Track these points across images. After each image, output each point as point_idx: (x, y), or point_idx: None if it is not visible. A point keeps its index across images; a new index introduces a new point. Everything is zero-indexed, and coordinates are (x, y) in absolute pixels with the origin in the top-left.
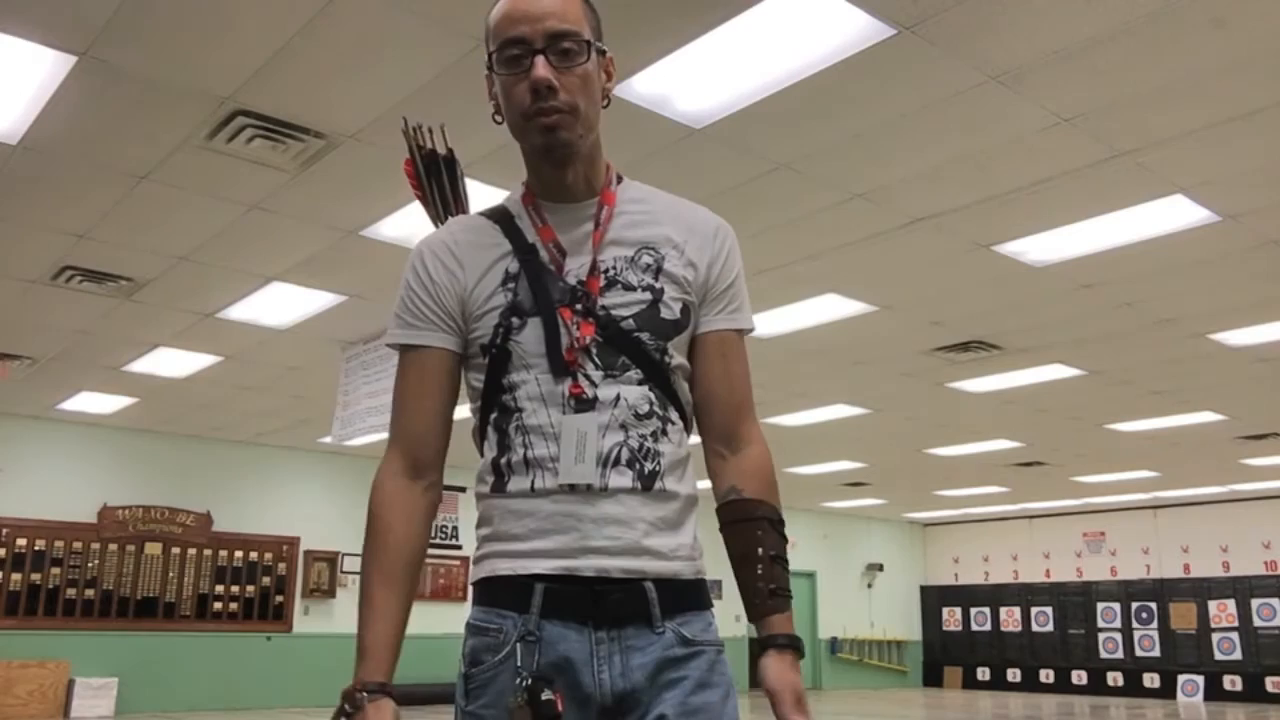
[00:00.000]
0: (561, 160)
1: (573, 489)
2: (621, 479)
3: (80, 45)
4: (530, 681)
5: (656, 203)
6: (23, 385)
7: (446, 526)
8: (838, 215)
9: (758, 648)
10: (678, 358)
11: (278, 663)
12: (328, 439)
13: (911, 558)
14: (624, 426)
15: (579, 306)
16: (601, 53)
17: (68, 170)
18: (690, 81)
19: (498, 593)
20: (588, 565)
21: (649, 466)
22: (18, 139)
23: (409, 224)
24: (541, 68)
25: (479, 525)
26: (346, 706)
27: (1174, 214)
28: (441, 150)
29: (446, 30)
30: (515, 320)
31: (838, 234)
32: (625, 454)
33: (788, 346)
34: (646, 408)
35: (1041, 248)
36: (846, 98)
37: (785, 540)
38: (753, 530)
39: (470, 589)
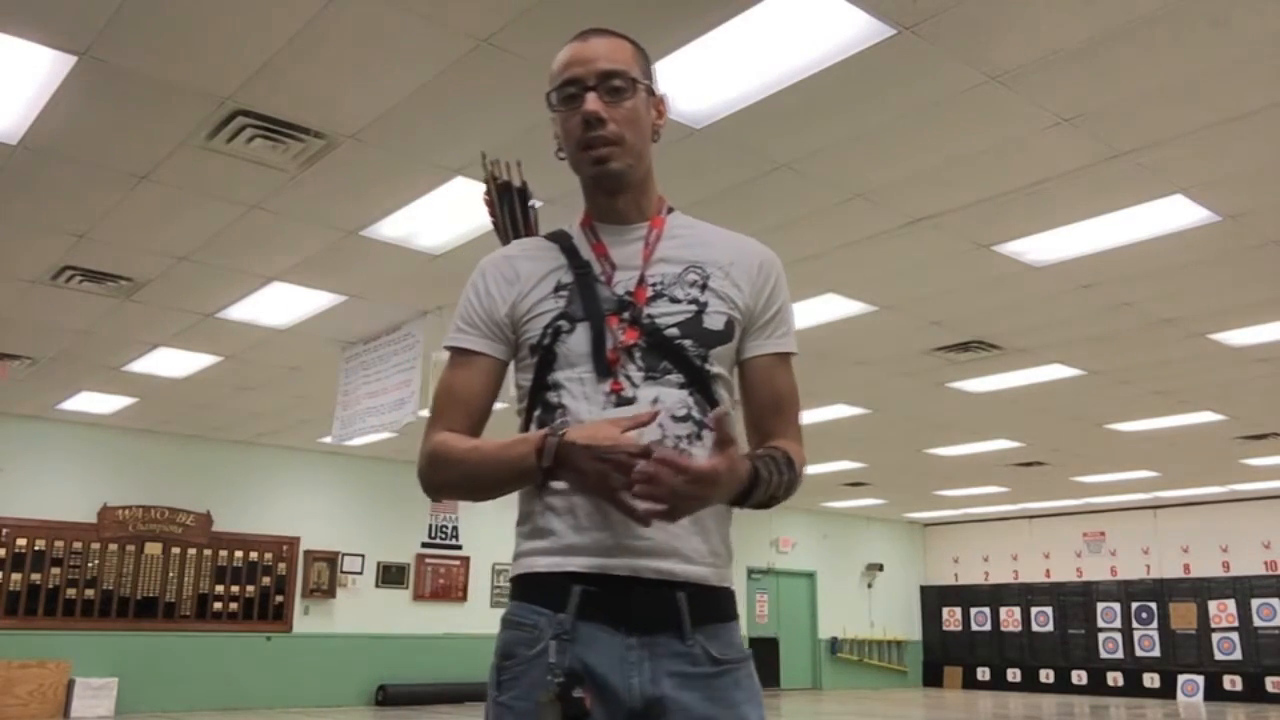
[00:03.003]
0: (612, 189)
1: None
2: None
3: (80, 45)
4: (562, 679)
5: (705, 231)
6: (23, 385)
7: (446, 527)
8: (838, 215)
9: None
10: (719, 368)
11: (278, 663)
12: (328, 439)
13: (911, 558)
14: (660, 426)
15: (625, 315)
16: (651, 92)
17: (68, 170)
18: (690, 81)
19: (535, 590)
20: (621, 565)
21: None
22: (18, 139)
23: (409, 224)
24: (591, 101)
25: (519, 522)
26: (549, 440)
27: (1174, 214)
28: (516, 183)
29: (446, 30)
30: (565, 325)
31: (838, 234)
32: None
33: None
34: (684, 411)
35: (1041, 248)
36: (846, 98)
37: (792, 480)
38: (770, 449)
39: (509, 584)
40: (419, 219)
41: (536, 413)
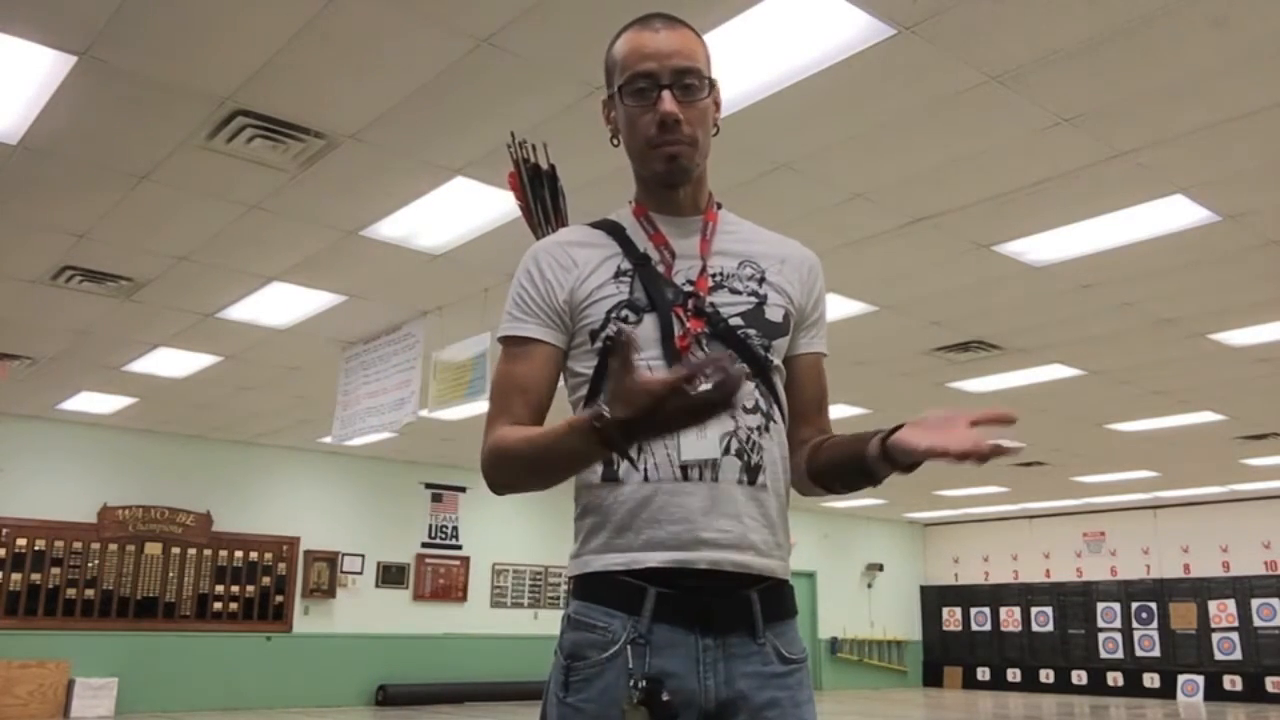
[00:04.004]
0: (678, 184)
1: (685, 476)
2: (730, 470)
3: (80, 45)
4: (646, 683)
5: (753, 229)
6: (23, 385)
7: (446, 527)
8: (838, 215)
9: (877, 450)
10: (778, 359)
11: (278, 663)
12: (328, 439)
13: (911, 558)
14: (733, 418)
15: (690, 304)
16: (714, 86)
17: (68, 170)
18: None
19: (607, 590)
20: (701, 558)
21: (754, 459)
22: (18, 139)
23: (409, 224)
24: (669, 102)
25: (582, 516)
26: (599, 419)
27: (1174, 214)
28: (544, 165)
29: (446, 30)
30: (631, 314)
31: (838, 234)
32: (734, 444)
33: None
34: (753, 402)
35: (1041, 248)
36: (846, 98)
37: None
38: (851, 438)
39: (570, 582)
40: (419, 219)
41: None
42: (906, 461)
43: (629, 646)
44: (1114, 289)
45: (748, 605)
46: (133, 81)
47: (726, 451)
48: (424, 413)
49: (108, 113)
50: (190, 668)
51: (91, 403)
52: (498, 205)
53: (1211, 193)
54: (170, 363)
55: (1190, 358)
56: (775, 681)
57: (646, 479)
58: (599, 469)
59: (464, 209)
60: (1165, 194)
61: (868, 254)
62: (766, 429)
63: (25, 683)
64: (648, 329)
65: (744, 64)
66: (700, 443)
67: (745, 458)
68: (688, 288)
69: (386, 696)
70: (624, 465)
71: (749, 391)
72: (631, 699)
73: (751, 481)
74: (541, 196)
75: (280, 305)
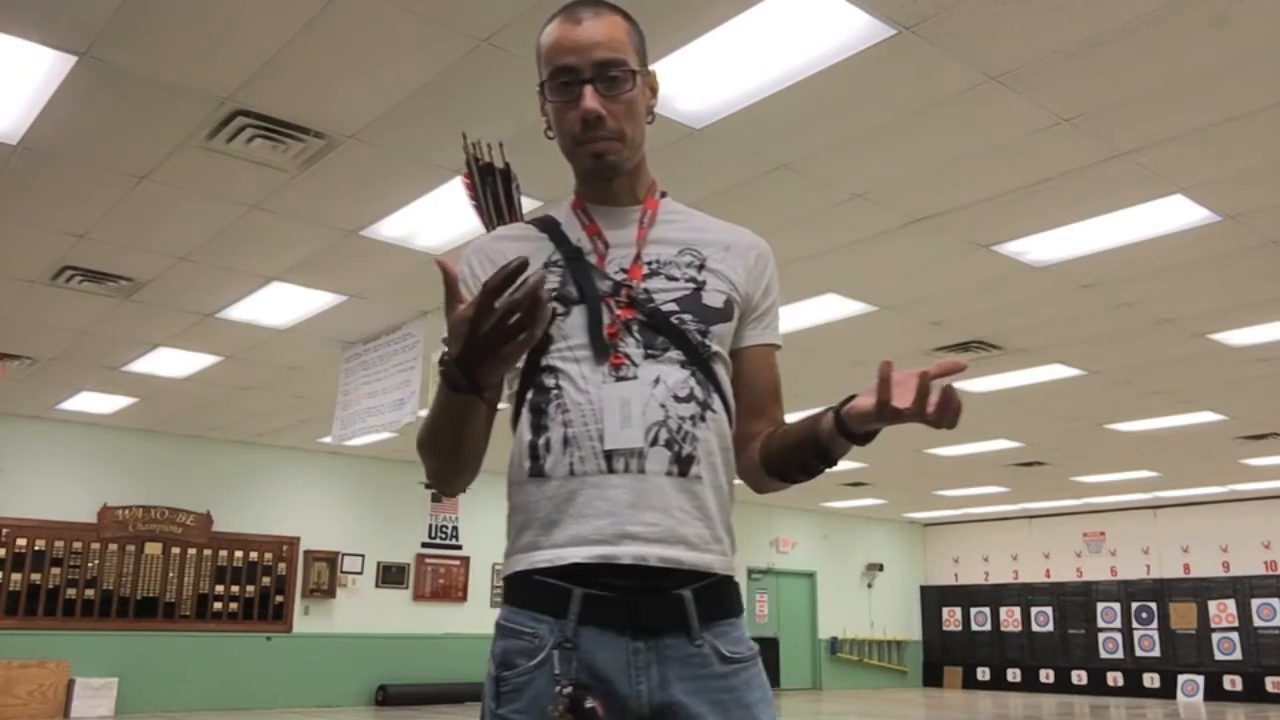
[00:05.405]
0: (609, 177)
1: (611, 469)
2: (658, 461)
3: (80, 45)
4: (572, 690)
5: (699, 217)
6: (23, 385)
7: (446, 527)
8: (838, 215)
9: (831, 424)
10: (719, 347)
11: (278, 663)
12: (328, 439)
13: (911, 558)
14: (662, 407)
15: (622, 295)
16: (645, 74)
17: (68, 170)
18: (690, 81)
19: (532, 595)
20: (626, 552)
21: (686, 450)
22: (18, 139)
23: (409, 224)
24: (590, 98)
25: (512, 514)
26: (442, 361)
27: (1174, 214)
28: (499, 164)
29: (446, 30)
30: (559, 307)
31: (838, 234)
32: (664, 434)
33: (787, 346)
34: (686, 391)
35: (1041, 248)
36: (846, 98)
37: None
38: (803, 420)
39: (502, 585)
40: (419, 219)
41: (530, 395)
42: (861, 429)
43: (555, 652)
44: (1114, 289)
45: (681, 604)
46: (133, 81)
47: (655, 442)
48: (424, 413)
49: (108, 113)
50: (190, 668)
51: (91, 403)
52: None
53: (1211, 193)
54: (170, 363)
55: (1190, 358)
56: (716, 684)
57: (572, 473)
58: (526, 464)
59: (464, 209)
60: (1165, 194)
61: (868, 254)
62: (702, 418)
63: (25, 683)
64: (575, 320)
65: (744, 64)
66: (624, 432)
67: (675, 448)
68: (620, 276)
69: (386, 696)
70: (549, 458)
71: (682, 379)
72: (556, 707)
73: (683, 473)
74: (495, 195)
75: (280, 305)
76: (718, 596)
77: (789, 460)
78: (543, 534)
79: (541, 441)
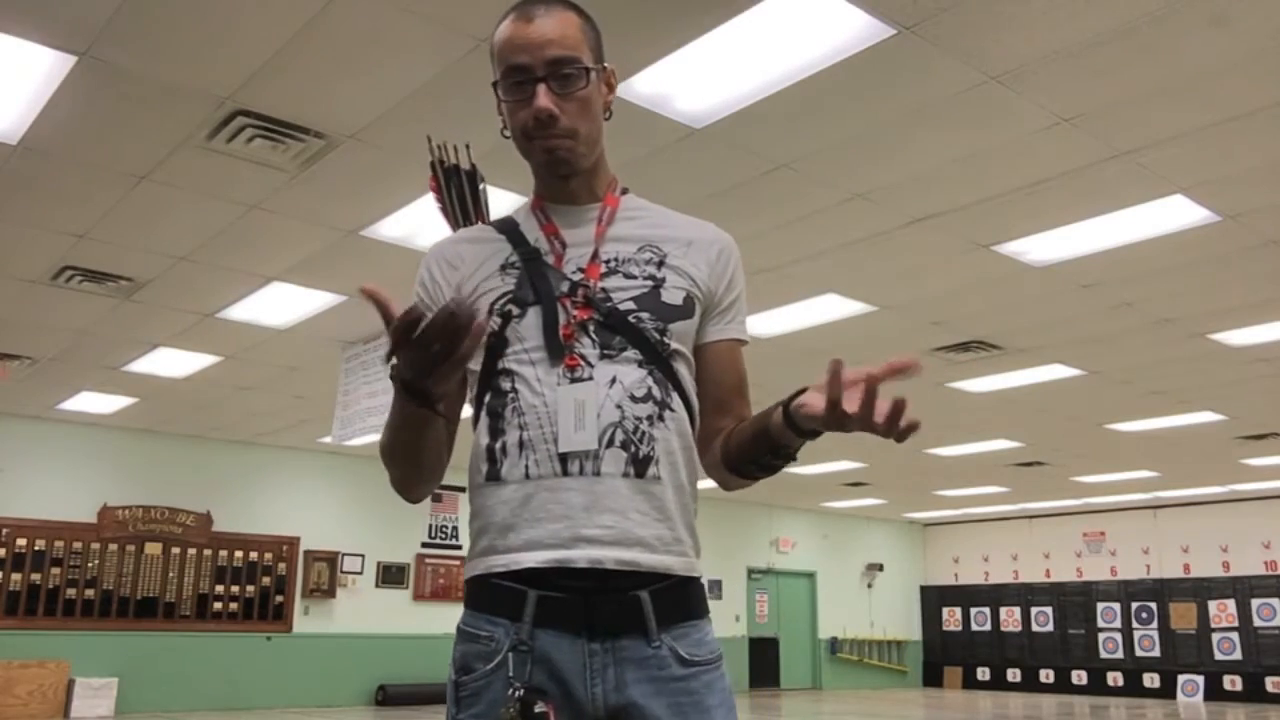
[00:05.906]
0: (565, 175)
1: (566, 471)
2: (614, 463)
3: (80, 45)
4: (523, 693)
5: (661, 212)
6: (23, 385)
7: (446, 526)
8: (838, 215)
9: (780, 419)
10: (680, 345)
11: (278, 663)
12: (328, 439)
13: (911, 558)
14: (619, 407)
15: (578, 295)
16: (601, 70)
17: (68, 170)
18: (690, 81)
19: (489, 598)
20: (581, 556)
21: (643, 450)
22: (18, 139)
23: (409, 224)
24: (543, 97)
25: (472, 518)
26: (391, 370)
27: (1174, 214)
28: (465, 165)
29: (446, 30)
30: (515, 310)
31: (838, 234)
32: (620, 435)
33: (787, 346)
34: (644, 390)
35: (1041, 248)
36: (846, 98)
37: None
38: (756, 416)
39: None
40: (419, 219)
41: (487, 398)
42: (808, 427)
43: (511, 654)
44: (1114, 289)
45: (637, 605)
46: (133, 81)
47: (610, 444)
48: None
49: (108, 113)
50: (190, 668)
51: (91, 403)
52: (498, 205)
53: (1211, 193)
54: (170, 363)
55: (1190, 358)
56: (674, 686)
57: (528, 476)
58: (483, 468)
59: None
60: (1165, 194)
61: (868, 254)
62: (660, 418)
63: (25, 683)
64: (531, 322)
65: (744, 64)
66: (579, 434)
67: (632, 449)
68: (577, 276)
69: (386, 696)
70: (506, 462)
71: (639, 379)
72: (509, 710)
73: (640, 474)
74: (462, 196)
75: (280, 305)
76: (678, 598)
77: (746, 458)
78: (499, 538)
79: (498, 445)
